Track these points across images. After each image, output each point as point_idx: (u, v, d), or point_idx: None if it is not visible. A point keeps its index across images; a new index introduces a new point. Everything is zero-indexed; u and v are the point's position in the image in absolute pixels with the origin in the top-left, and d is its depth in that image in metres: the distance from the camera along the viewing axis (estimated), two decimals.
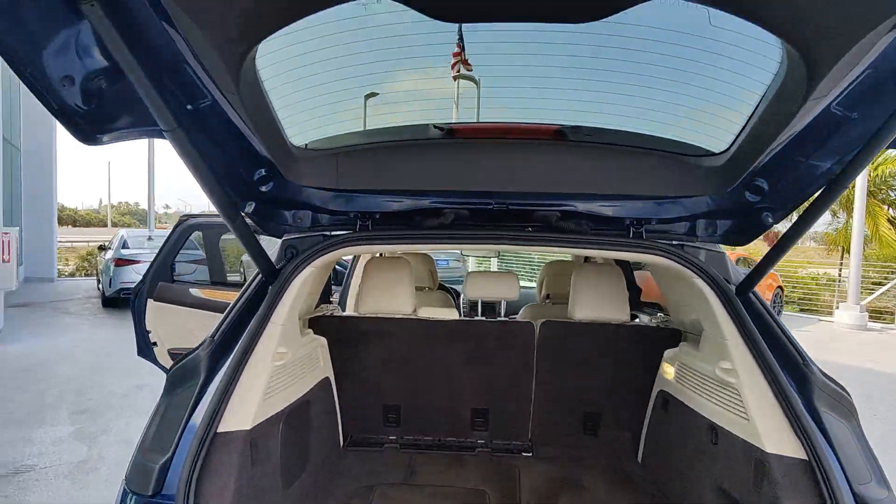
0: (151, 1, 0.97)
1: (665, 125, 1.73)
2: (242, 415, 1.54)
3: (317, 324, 2.33)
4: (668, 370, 2.09)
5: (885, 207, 15.28)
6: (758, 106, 1.41)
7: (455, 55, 1.42)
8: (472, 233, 1.85)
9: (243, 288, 1.92)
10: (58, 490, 3.38)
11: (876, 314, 12.28)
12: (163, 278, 3.04)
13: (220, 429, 1.46)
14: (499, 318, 3.29)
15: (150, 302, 3.03)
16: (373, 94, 1.71)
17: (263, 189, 1.73)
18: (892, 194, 14.94)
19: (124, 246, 10.75)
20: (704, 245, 1.84)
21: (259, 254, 1.69)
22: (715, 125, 1.64)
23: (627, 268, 3.39)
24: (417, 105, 1.82)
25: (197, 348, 1.66)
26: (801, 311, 13.88)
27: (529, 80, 1.71)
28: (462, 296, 4.91)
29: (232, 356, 1.54)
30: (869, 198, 14.80)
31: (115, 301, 10.42)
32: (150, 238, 11.66)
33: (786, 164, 1.53)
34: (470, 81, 1.62)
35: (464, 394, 2.46)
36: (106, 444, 4.10)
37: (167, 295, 3.02)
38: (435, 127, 1.71)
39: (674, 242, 1.79)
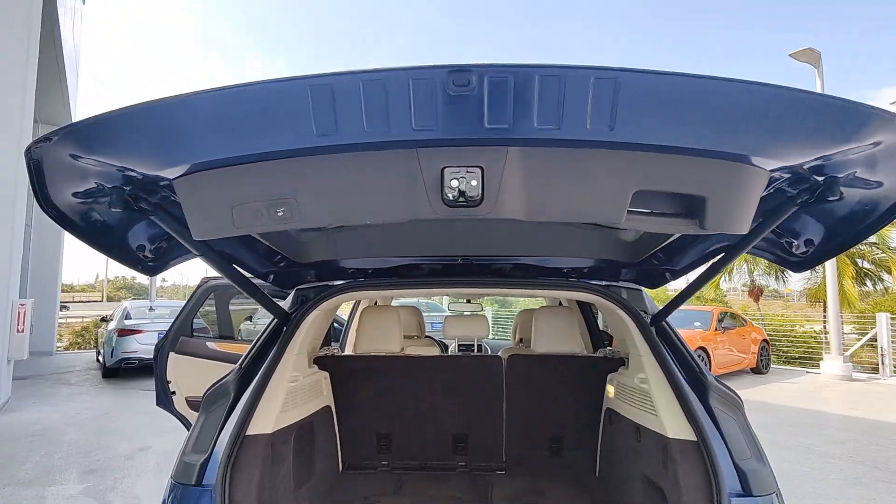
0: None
1: None
2: (265, 422, 1.96)
3: (320, 362, 2.77)
4: (611, 390, 2.52)
5: (860, 262, 15.94)
6: None
7: None
8: (444, 279, 2.35)
9: (261, 332, 2.38)
10: None
11: (869, 364, 12.56)
12: (183, 333, 3.47)
13: (248, 432, 1.87)
14: (473, 354, 3.73)
15: (171, 355, 3.43)
16: None
17: (282, 265, 2.30)
18: (862, 247, 15.61)
19: (127, 317, 11.07)
20: (626, 285, 2.34)
21: (273, 306, 2.19)
22: None
23: (590, 313, 3.87)
24: None
25: (226, 376, 2.09)
26: (787, 362, 14.15)
27: None
28: (448, 347, 5.34)
29: (258, 376, 1.98)
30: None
31: (116, 371, 10.60)
32: (151, 308, 12.01)
33: (674, 245, 2.09)
34: None
35: (446, 422, 2.85)
36: (115, 500, 4.32)
37: (187, 348, 3.44)
38: None
39: (602, 283, 2.29)
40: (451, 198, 1.25)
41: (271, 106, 1.17)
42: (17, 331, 7.29)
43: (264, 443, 1.93)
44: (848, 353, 12.11)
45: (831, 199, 1.37)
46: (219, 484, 1.71)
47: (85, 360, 13.97)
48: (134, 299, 19.98)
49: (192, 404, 3.39)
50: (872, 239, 15.30)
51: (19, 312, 7.27)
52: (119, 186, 1.44)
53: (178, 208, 1.47)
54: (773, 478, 1.70)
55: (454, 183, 1.23)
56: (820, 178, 1.37)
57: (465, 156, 1.23)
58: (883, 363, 11.70)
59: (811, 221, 1.67)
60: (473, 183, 1.23)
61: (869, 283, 16.41)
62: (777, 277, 18.29)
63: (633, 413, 2.22)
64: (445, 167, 1.23)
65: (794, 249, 1.79)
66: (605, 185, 1.30)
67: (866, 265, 16.00)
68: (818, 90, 12.11)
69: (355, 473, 2.74)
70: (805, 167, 1.33)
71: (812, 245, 1.73)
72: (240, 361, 2.16)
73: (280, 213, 1.36)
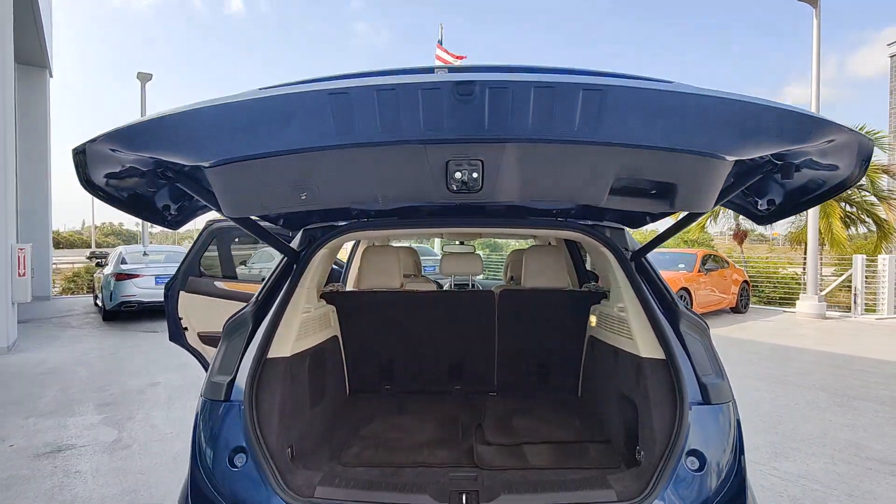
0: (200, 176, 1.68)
1: None
2: (283, 347, 2.18)
3: (327, 297, 2.99)
4: (593, 319, 2.78)
5: (842, 205, 16.27)
6: None
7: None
8: (443, 219, 2.52)
9: (272, 270, 2.56)
10: (100, 462, 3.92)
11: (846, 305, 13.15)
12: (192, 273, 3.65)
13: (269, 356, 2.09)
14: (467, 290, 3.99)
15: (182, 294, 3.63)
16: None
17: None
18: (848, 191, 15.90)
19: (123, 262, 11.20)
20: (610, 224, 2.53)
21: (284, 247, 2.36)
22: None
23: (577, 252, 4.10)
24: None
25: (243, 309, 2.29)
26: (768, 303, 14.75)
27: None
28: (443, 286, 5.61)
29: (275, 307, 2.18)
30: None
31: (116, 315, 10.88)
32: (145, 254, 12.12)
33: None
34: None
35: (443, 351, 3.12)
36: (133, 429, 4.64)
37: (197, 287, 3.63)
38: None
39: (588, 223, 2.47)
40: (455, 188, 1.45)
41: (297, 112, 1.32)
42: (19, 274, 7.42)
43: (283, 365, 2.16)
44: (823, 292, 12.65)
45: (786, 178, 1.64)
46: (246, 398, 1.94)
47: (82, 304, 14.21)
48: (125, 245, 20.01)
49: (204, 339, 3.61)
50: (862, 183, 15.58)
51: (19, 257, 7.37)
52: (153, 170, 1.66)
53: (208, 182, 1.67)
54: (730, 390, 1.96)
55: (458, 175, 1.43)
56: (779, 162, 1.62)
57: (468, 151, 1.42)
58: (856, 302, 12.29)
59: (774, 186, 1.88)
60: (475, 175, 1.43)
61: (853, 228, 16.79)
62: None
63: (612, 338, 2.48)
64: (450, 160, 1.42)
65: (758, 207, 2.01)
66: (589, 175, 1.53)
67: (848, 208, 16.33)
68: (814, 31, 11.95)
69: (361, 396, 3.02)
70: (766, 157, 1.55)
71: (773, 204, 1.95)
72: (255, 296, 2.35)
73: (303, 197, 1.57)
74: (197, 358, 3.79)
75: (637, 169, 1.52)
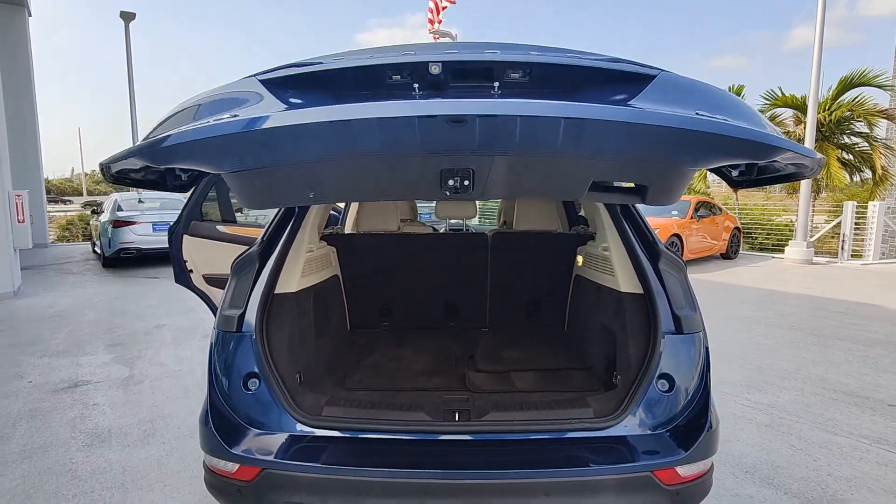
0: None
1: None
2: (289, 283, 2.33)
3: (327, 238, 3.13)
4: (580, 259, 2.94)
5: (839, 151, 16.27)
6: None
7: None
8: None
9: (275, 214, 2.67)
10: (115, 396, 4.17)
11: (834, 252, 13.42)
12: (195, 218, 3.75)
13: (276, 291, 2.24)
14: (462, 232, 4.13)
15: (186, 237, 3.74)
16: None
17: None
18: (844, 138, 15.85)
19: (119, 209, 11.22)
20: None
21: None
22: None
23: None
24: None
25: (249, 249, 2.42)
26: (760, 250, 15.04)
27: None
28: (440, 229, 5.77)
29: (280, 247, 2.30)
30: (824, 142, 15.77)
31: (115, 261, 11.01)
32: (140, 201, 12.11)
33: None
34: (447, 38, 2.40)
35: (438, 290, 3.30)
36: (143, 366, 4.88)
37: (199, 231, 3.74)
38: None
39: None
40: (448, 192, 1.64)
41: (306, 135, 1.46)
42: (18, 221, 7.49)
43: (290, 299, 2.32)
44: (812, 238, 12.89)
45: (750, 175, 1.88)
46: (257, 329, 2.10)
47: (80, 251, 14.34)
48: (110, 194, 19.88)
49: (210, 280, 3.76)
50: (861, 129, 15.52)
51: (17, 203, 7.41)
52: (172, 168, 1.88)
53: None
54: (702, 322, 2.13)
55: (451, 182, 1.61)
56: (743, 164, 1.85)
57: (460, 162, 1.59)
58: (843, 248, 12.55)
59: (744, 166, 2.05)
60: (466, 182, 1.62)
61: (854, 176, 16.84)
62: None
63: (596, 276, 2.64)
64: (443, 169, 1.60)
65: (732, 174, 2.15)
66: (569, 178, 1.72)
67: (846, 156, 16.33)
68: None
69: (361, 332, 3.22)
70: None
71: (745, 175, 2.10)
72: (260, 237, 2.47)
73: (311, 196, 1.76)
74: (203, 299, 3.96)
75: (613, 174, 1.74)
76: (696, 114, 1.41)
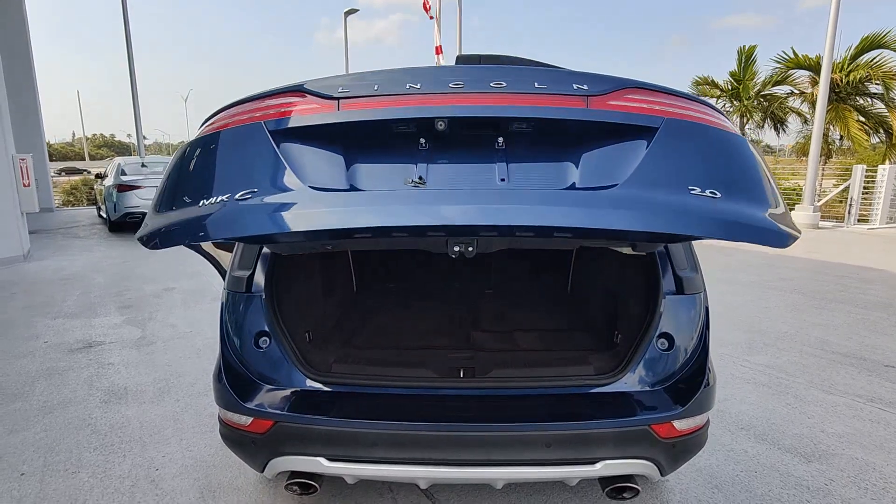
0: None
1: None
2: None
3: None
4: None
5: (855, 113, 15.94)
6: None
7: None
8: None
9: None
10: (129, 355, 4.29)
11: (841, 217, 13.31)
12: None
13: (284, 253, 2.28)
14: None
15: None
16: None
17: None
18: (860, 100, 15.52)
19: (123, 173, 11.21)
20: None
21: None
22: None
23: None
24: None
25: None
26: None
27: None
28: None
29: None
30: (840, 103, 15.43)
31: (121, 226, 11.08)
32: (143, 165, 12.08)
33: None
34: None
35: (441, 259, 3.33)
36: (154, 328, 4.99)
37: None
38: None
39: None
40: (453, 256, 1.91)
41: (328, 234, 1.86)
42: (24, 185, 7.51)
43: (297, 261, 2.36)
44: (819, 203, 12.78)
45: None
46: (266, 290, 2.15)
47: (86, 215, 14.42)
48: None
49: (217, 244, 3.81)
50: (877, 91, 15.16)
51: (22, 167, 7.41)
52: None
53: None
54: (703, 283, 2.16)
55: (456, 248, 1.87)
56: None
57: (466, 239, 1.85)
58: (850, 212, 12.45)
59: None
60: (469, 248, 1.86)
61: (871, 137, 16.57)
62: (774, 130, 18.40)
63: (599, 241, 2.66)
64: (448, 239, 1.85)
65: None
66: (561, 241, 2.10)
67: (862, 119, 16.01)
68: None
69: (367, 293, 3.28)
70: None
71: None
72: None
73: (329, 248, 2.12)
74: (211, 262, 4.01)
75: (599, 237, 1.98)
76: (689, 190, 1.46)
